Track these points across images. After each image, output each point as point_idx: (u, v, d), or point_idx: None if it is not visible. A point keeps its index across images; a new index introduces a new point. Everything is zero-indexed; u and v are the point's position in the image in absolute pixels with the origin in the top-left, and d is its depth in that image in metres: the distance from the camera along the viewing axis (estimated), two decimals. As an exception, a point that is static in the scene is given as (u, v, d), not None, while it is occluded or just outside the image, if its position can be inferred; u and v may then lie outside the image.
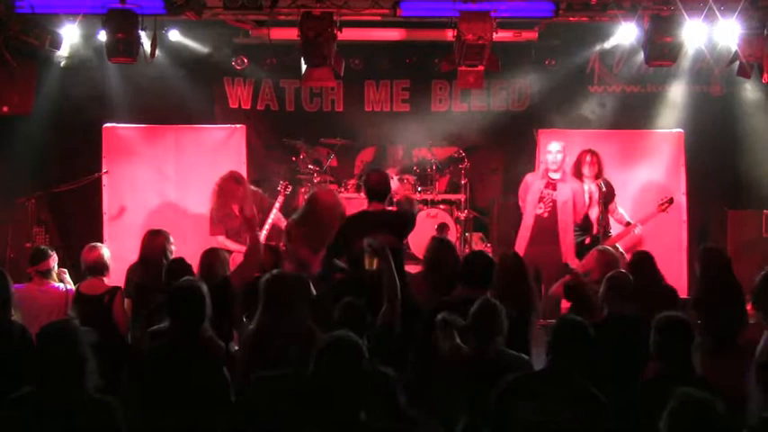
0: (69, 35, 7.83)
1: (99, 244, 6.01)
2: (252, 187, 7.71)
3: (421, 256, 5.76)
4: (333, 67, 7.46)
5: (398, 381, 3.56)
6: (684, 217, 8.67)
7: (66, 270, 6.06)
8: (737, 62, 7.56)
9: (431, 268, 5.36)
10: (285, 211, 7.76)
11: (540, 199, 7.60)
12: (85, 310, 5.50)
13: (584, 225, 7.65)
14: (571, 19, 7.82)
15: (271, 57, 9.24)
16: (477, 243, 9.37)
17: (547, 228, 7.57)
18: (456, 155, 9.35)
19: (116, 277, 6.13)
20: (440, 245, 5.51)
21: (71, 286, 5.90)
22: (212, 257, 5.61)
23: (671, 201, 7.57)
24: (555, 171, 7.61)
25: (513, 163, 9.53)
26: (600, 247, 6.45)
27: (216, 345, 4.15)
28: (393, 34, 8.85)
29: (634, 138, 8.94)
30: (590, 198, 7.67)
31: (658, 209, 7.52)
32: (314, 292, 4.87)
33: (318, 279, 5.43)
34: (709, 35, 7.62)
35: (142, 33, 7.17)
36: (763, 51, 7.32)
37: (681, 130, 8.88)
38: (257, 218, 7.47)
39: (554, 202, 7.57)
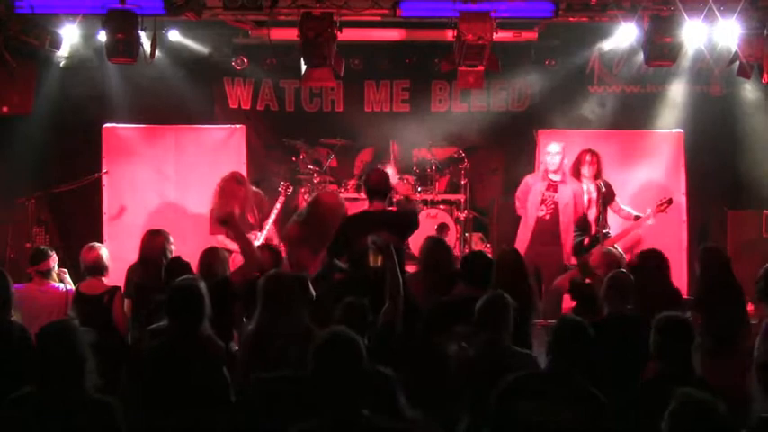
0: (69, 35, 7.83)
1: (97, 244, 6.00)
2: (253, 188, 7.72)
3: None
4: (333, 68, 7.46)
5: (398, 381, 3.55)
6: (684, 217, 8.68)
7: (66, 270, 6.07)
8: (737, 62, 7.57)
9: (426, 268, 5.36)
10: (285, 211, 7.76)
11: (542, 201, 7.60)
12: (85, 311, 5.51)
13: (582, 225, 7.65)
14: (571, 19, 7.82)
15: (270, 57, 9.24)
16: (477, 243, 9.37)
17: (548, 229, 7.58)
18: (456, 155, 9.35)
19: (116, 277, 6.14)
20: (434, 244, 5.52)
21: (71, 286, 5.90)
22: (212, 257, 5.61)
23: (670, 201, 7.57)
24: (555, 172, 7.61)
25: (513, 163, 9.53)
26: (605, 248, 6.48)
27: (215, 344, 4.15)
28: (393, 34, 8.85)
29: (634, 138, 8.95)
30: (589, 198, 7.67)
31: (657, 209, 7.52)
32: (313, 292, 4.88)
33: (317, 279, 5.43)
34: (709, 35, 7.62)
35: (142, 34, 7.18)
36: (762, 52, 7.32)
37: (681, 131, 8.89)
38: (257, 218, 7.51)
39: (555, 204, 7.58)
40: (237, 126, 8.85)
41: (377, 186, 5.84)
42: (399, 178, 8.81)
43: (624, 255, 7.33)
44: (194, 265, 5.53)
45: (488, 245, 9.28)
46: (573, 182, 7.66)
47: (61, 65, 8.54)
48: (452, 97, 9.83)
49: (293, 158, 9.47)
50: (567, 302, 7.18)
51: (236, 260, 6.50)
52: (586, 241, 7.53)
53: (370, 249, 4.75)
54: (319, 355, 2.80)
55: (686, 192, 8.70)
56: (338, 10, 7.26)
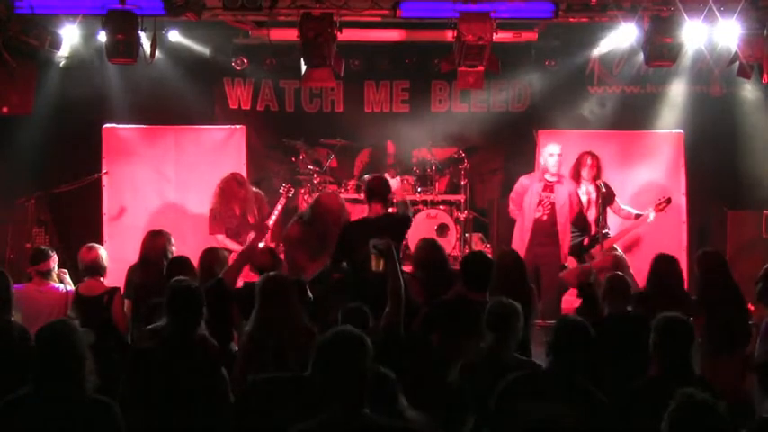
0: (69, 36, 7.83)
1: (96, 245, 6.00)
2: (253, 189, 7.73)
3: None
4: (333, 68, 7.45)
5: (399, 382, 3.55)
6: (684, 217, 8.68)
7: (66, 271, 6.06)
8: (737, 63, 7.56)
9: (421, 268, 5.36)
10: (285, 212, 7.76)
11: (539, 202, 7.60)
12: (85, 311, 5.51)
13: (582, 226, 7.65)
14: (571, 20, 7.82)
15: (270, 57, 9.25)
16: (477, 244, 9.37)
17: (545, 230, 7.58)
18: (456, 155, 9.34)
19: (116, 278, 6.14)
20: (428, 245, 5.52)
21: (71, 287, 5.90)
22: (212, 258, 5.63)
23: (668, 201, 7.58)
24: (552, 173, 7.62)
25: (513, 163, 9.52)
26: (612, 252, 6.52)
27: (212, 344, 4.16)
28: (393, 35, 8.84)
29: (634, 138, 8.95)
30: (588, 199, 7.67)
31: (656, 209, 7.53)
32: (311, 294, 4.88)
33: (314, 282, 5.44)
34: (709, 36, 7.61)
35: (142, 34, 7.17)
36: (762, 52, 7.32)
37: (681, 131, 8.89)
38: (258, 219, 7.51)
39: (552, 204, 7.58)
40: (237, 126, 8.86)
41: (375, 188, 5.88)
42: (398, 181, 8.81)
43: (624, 255, 7.35)
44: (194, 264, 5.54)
45: (488, 245, 9.28)
46: (569, 182, 7.67)
47: (61, 65, 8.54)
48: (452, 97, 9.83)
49: (293, 159, 9.46)
50: (567, 303, 7.21)
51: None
52: (586, 241, 7.54)
53: (372, 253, 4.75)
54: (326, 351, 2.78)
55: (686, 192, 8.70)
56: (338, 10, 7.25)
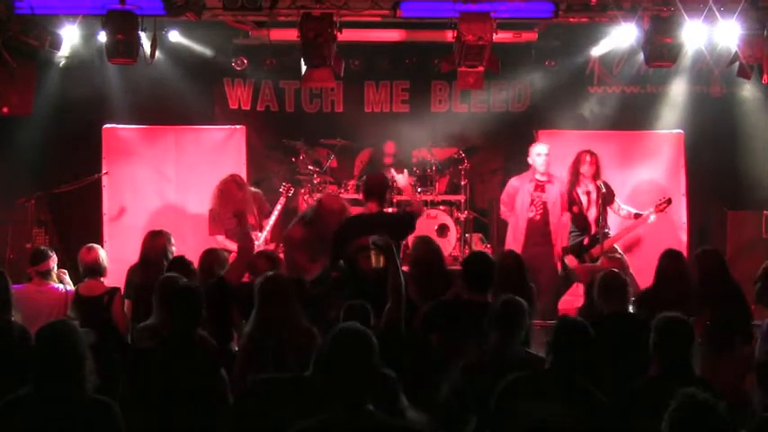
0: (69, 36, 7.83)
1: (95, 245, 6.01)
2: (253, 189, 7.72)
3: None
4: (333, 68, 7.45)
5: (400, 382, 3.55)
6: (684, 218, 8.68)
7: (65, 271, 6.07)
8: (737, 63, 7.57)
9: (415, 267, 5.36)
10: (285, 212, 7.76)
11: (532, 202, 7.68)
12: (85, 311, 5.51)
13: (582, 225, 7.66)
14: (571, 20, 7.83)
15: (270, 57, 9.25)
16: (477, 244, 9.37)
17: (539, 229, 7.65)
18: (456, 155, 9.34)
19: (116, 278, 6.14)
20: (422, 243, 5.52)
21: (71, 287, 5.90)
22: (212, 258, 5.63)
23: (669, 201, 7.58)
24: (542, 173, 7.66)
25: (513, 163, 9.49)
26: (609, 254, 6.52)
27: (212, 345, 4.15)
28: (393, 35, 8.84)
29: (634, 138, 8.95)
30: (588, 199, 7.68)
31: (656, 209, 7.53)
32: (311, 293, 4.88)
33: (315, 282, 5.44)
34: (709, 36, 7.62)
35: (142, 34, 7.17)
36: (762, 52, 7.32)
37: (681, 131, 8.89)
38: (257, 219, 7.51)
39: (544, 203, 7.67)
40: (237, 126, 8.86)
41: (372, 188, 5.89)
42: (405, 175, 8.81)
43: (624, 254, 7.36)
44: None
45: (488, 245, 9.28)
46: (558, 181, 7.73)
47: (61, 65, 8.54)
48: (452, 98, 9.83)
49: (293, 159, 9.46)
50: (567, 303, 7.21)
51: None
52: (586, 241, 7.54)
53: (371, 250, 4.74)
54: (334, 347, 2.77)
55: (686, 192, 8.71)
56: (338, 10, 7.25)
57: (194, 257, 5.64)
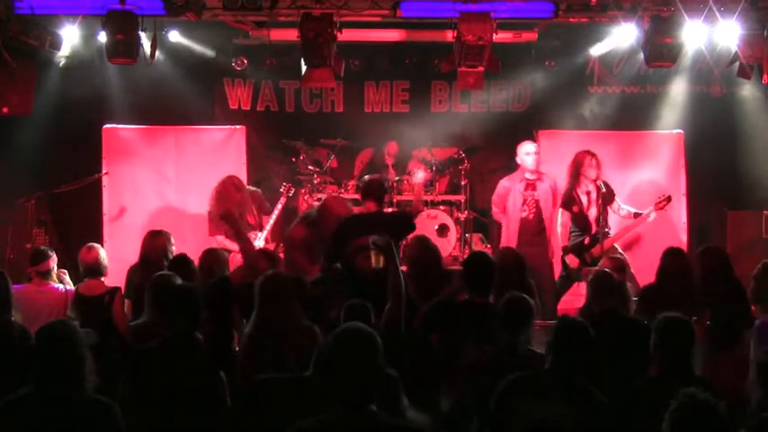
0: (69, 36, 7.83)
1: (95, 245, 6.00)
2: (252, 188, 7.72)
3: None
4: (333, 68, 7.45)
5: (401, 382, 3.55)
6: (684, 217, 8.68)
7: (65, 271, 6.08)
8: (737, 63, 7.57)
9: (411, 266, 5.37)
10: (285, 212, 7.76)
11: (524, 201, 7.73)
12: (85, 312, 5.51)
13: (582, 225, 7.66)
14: (571, 20, 7.82)
15: (270, 57, 9.25)
16: (477, 244, 9.36)
17: (533, 228, 7.68)
18: (456, 156, 9.33)
19: (116, 278, 6.14)
20: (418, 243, 5.52)
21: (71, 287, 5.90)
22: (212, 258, 5.63)
23: (669, 199, 7.58)
24: (531, 171, 7.69)
25: (513, 163, 9.49)
26: (610, 254, 6.53)
27: (212, 345, 4.15)
28: (393, 35, 8.83)
29: (634, 138, 8.95)
30: (588, 198, 7.68)
31: (656, 207, 7.53)
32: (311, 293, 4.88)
33: (315, 283, 5.44)
34: (709, 36, 7.61)
35: (142, 34, 7.17)
36: (763, 52, 7.32)
37: (681, 131, 8.89)
38: (257, 218, 7.51)
39: (536, 201, 7.72)
40: (237, 127, 8.86)
41: (370, 189, 5.91)
42: (423, 171, 8.82)
43: (624, 254, 7.36)
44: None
45: (488, 245, 9.27)
46: (548, 177, 7.79)
47: (61, 65, 8.54)
48: (452, 98, 9.83)
49: (293, 159, 9.46)
50: (567, 303, 7.21)
51: (236, 260, 6.52)
52: (587, 241, 7.54)
53: (371, 249, 4.74)
54: (338, 346, 2.76)
55: (686, 192, 8.71)
56: (338, 10, 7.25)
57: (194, 257, 5.64)
